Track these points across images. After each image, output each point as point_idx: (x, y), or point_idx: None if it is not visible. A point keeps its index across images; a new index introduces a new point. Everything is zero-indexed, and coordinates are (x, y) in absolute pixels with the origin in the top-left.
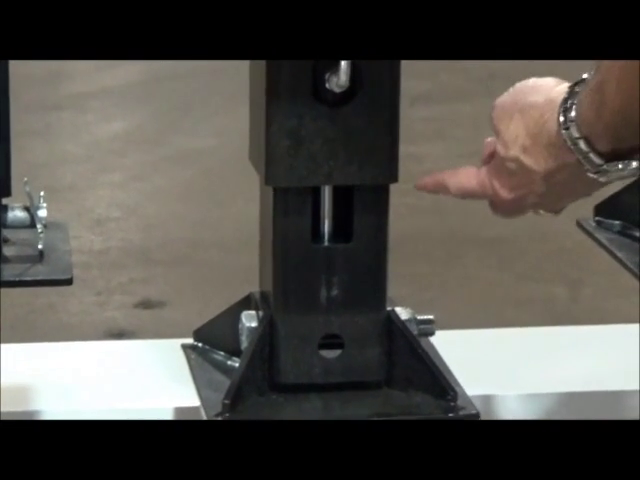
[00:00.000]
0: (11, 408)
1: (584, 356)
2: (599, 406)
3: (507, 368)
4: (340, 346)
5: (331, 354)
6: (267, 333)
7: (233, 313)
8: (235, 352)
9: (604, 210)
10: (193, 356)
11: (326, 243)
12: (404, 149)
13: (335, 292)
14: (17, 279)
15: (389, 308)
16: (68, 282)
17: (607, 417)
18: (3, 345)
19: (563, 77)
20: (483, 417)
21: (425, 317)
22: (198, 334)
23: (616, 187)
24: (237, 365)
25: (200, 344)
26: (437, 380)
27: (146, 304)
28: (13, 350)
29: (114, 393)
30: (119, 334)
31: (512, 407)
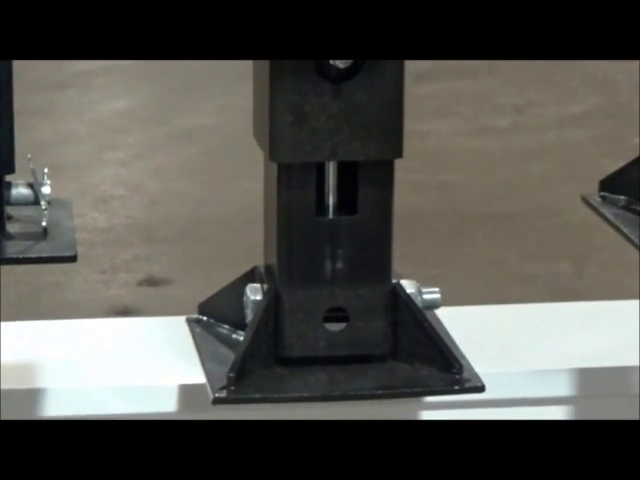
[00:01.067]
0: (15, 386)
1: (589, 332)
2: (604, 382)
3: (512, 345)
4: (345, 319)
5: (336, 327)
6: (272, 306)
7: (238, 286)
8: (240, 325)
9: (609, 185)
10: (197, 330)
11: (331, 216)
12: (408, 126)
13: (340, 265)
14: (21, 256)
15: (394, 281)
16: (72, 259)
17: (612, 393)
18: (7, 323)
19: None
20: (487, 395)
21: (431, 289)
22: (202, 308)
23: (621, 162)
24: (242, 338)
25: (204, 318)
26: (442, 353)
27: (150, 281)
28: (17, 328)
29: (119, 371)
30: (124, 311)
31: (517, 384)
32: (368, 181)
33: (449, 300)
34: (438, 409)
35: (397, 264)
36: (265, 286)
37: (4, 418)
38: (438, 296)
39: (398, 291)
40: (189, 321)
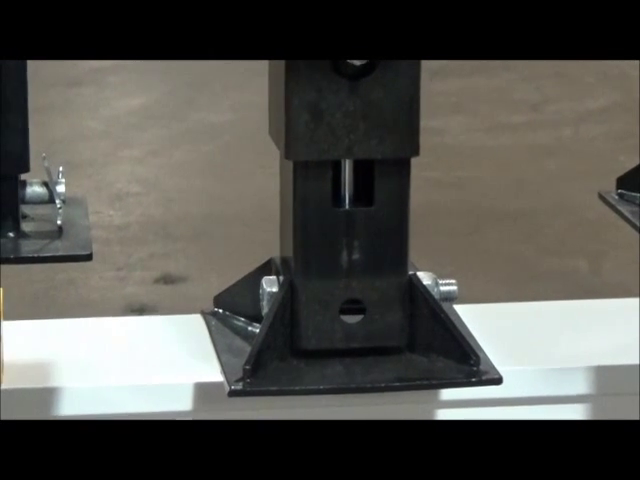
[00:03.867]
0: (31, 385)
1: (606, 330)
2: (621, 380)
3: (528, 342)
4: (361, 311)
5: (352, 319)
6: (288, 298)
7: (253, 279)
8: (256, 318)
9: (627, 182)
10: (213, 322)
11: (347, 207)
12: (424, 123)
13: (356, 256)
14: (36, 255)
15: (411, 272)
16: (87, 258)
17: (629, 391)
18: (23, 321)
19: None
20: (502, 393)
21: (447, 281)
22: (218, 300)
23: (638, 159)
24: (258, 331)
25: (220, 310)
26: (459, 345)
27: (167, 279)
28: (33, 326)
29: (135, 369)
30: (140, 309)
31: (533, 382)
32: (384, 176)
33: (465, 297)
34: (453, 407)
35: (413, 260)
36: (281, 278)
37: (19, 417)
38: (455, 288)
39: (415, 283)
40: (204, 314)
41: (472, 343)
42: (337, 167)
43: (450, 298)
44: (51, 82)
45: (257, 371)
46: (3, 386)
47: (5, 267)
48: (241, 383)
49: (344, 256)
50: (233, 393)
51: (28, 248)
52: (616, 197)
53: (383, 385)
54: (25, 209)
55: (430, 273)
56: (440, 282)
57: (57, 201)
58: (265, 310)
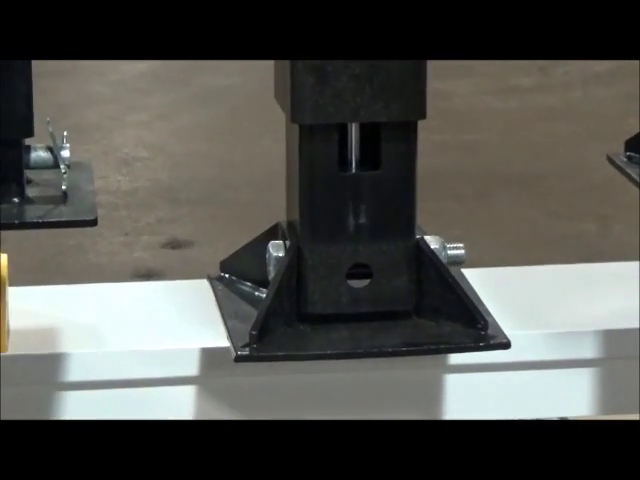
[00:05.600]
0: (38, 351)
1: (614, 293)
2: (629, 343)
3: (536, 306)
4: (368, 275)
5: (359, 284)
6: (294, 263)
7: (260, 243)
8: (262, 283)
9: (635, 145)
10: (219, 287)
11: (353, 170)
12: (432, 86)
13: (363, 220)
14: (40, 220)
15: (418, 236)
16: (92, 223)
17: (637, 354)
18: (31, 287)
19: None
20: (511, 357)
21: (455, 245)
22: (224, 265)
23: None
24: (264, 296)
25: (226, 275)
26: (467, 309)
27: (174, 244)
28: (40, 292)
29: (141, 335)
30: (147, 274)
31: (542, 345)
32: (391, 139)
33: (473, 261)
34: (460, 372)
35: (420, 224)
36: (287, 243)
37: (27, 383)
38: (462, 252)
39: (422, 247)
40: (211, 279)
41: (480, 307)
42: (343, 131)
43: (458, 262)
44: None
45: (263, 336)
46: (10, 352)
47: (13, 232)
48: (247, 348)
49: (351, 220)
50: (239, 358)
51: (32, 213)
52: (625, 159)
53: (390, 350)
54: (30, 174)
55: (438, 237)
56: (448, 246)
57: (62, 166)
58: (272, 275)
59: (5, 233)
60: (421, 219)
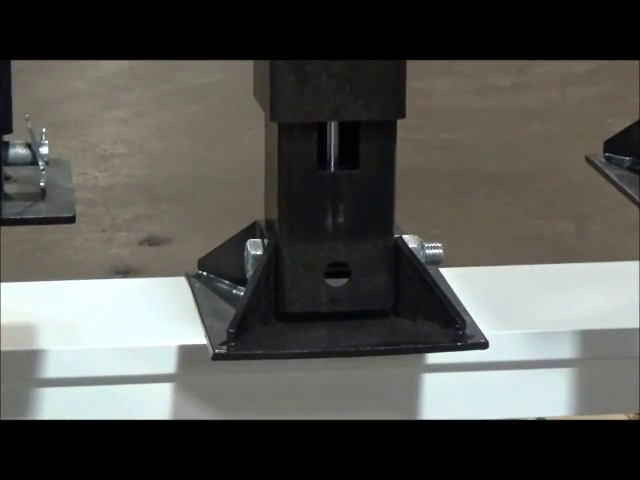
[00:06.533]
0: (15, 347)
1: (590, 294)
2: (606, 344)
3: (513, 306)
4: (346, 274)
5: (337, 282)
6: (272, 261)
7: (238, 241)
8: (240, 281)
9: (614, 146)
10: (197, 285)
11: (332, 169)
12: (411, 85)
13: (341, 219)
14: (19, 217)
15: (396, 235)
16: (71, 220)
17: (613, 356)
18: (7, 284)
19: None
20: (489, 357)
21: (433, 244)
22: (202, 263)
23: (625, 121)
24: (242, 294)
25: (204, 273)
26: (445, 308)
27: (152, 241)
28: (17, 288)
29: (118, 332)
30: (124, 271)
31: (519, 346)
32: (370, 138)
33: (451, 260)
34: (438, 371)
35: (398, 223)
36: (266, 241)
37: (3, 380)
38: (441, 251)
39: (400, 246)
40: (189, 277)
41: (458, 307)
42: (322, 129)
43: (436, 261)
44: None
45: (241, 335)
46: None
47: None
48: (225, 347)
49: (329, 219)
50: (217, 357)
51: (10, 210)
52: (603, 160)
53: (368, 349)
54: (8, 171)
55: (416, 236)
56: (426, 245)
57: (40, 163)
58: (250, 273)
59: None
60: (399, 217)
